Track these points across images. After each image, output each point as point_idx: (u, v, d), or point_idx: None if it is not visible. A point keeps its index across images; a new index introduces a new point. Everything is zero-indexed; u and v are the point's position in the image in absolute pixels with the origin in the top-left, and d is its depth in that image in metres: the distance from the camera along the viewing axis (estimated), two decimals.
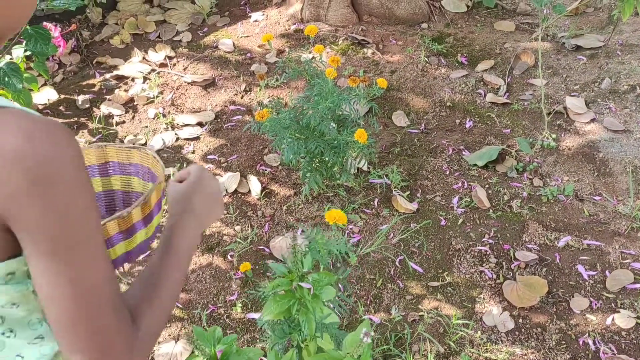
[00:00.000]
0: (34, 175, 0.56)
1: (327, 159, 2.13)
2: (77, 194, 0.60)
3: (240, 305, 2.05)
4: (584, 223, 2.29)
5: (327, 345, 1.37)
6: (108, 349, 0.63)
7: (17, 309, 0.67)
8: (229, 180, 2.49)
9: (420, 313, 2.01)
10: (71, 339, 0.62)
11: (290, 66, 2.21)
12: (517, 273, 2.13)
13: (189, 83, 3.14)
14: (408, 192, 2.46)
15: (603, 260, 2.15)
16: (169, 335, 1.96)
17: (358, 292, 2.09)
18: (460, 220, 2.34)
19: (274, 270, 1.31)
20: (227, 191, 2.47)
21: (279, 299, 1.28)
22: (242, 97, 3.05)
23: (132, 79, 3.19)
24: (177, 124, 2.88)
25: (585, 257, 2.16)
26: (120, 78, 3.21)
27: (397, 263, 2.18)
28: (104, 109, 2.96)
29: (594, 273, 2.10)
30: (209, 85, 3.15)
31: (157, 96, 3.05)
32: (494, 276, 2.13)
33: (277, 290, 1.28)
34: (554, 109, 2.83)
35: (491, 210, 2.38)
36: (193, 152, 2.72)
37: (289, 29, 3.57)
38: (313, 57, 2.16)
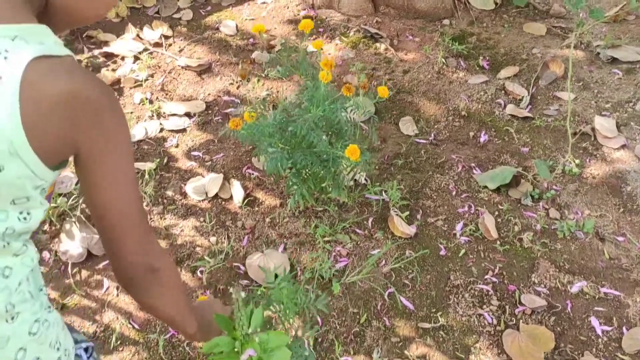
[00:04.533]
0: (92, 108, 0.72)
1: (316, 171, 1.87)
2: (123, 118, 0.78)
3: None
4: (602, 267, 2.02)
5: None
6: (150, 243, 0.85)
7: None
8: (210, 182, 2.25)
9: None
10: (139, 225, 0.82)
11: (283, 61, 1.94)
12: (521, 320, 1.88)
13: (182, 67, 2.88)
14: (407, 213, 2.20)
15: (621, 313, 1.88)
16: None
17: (338, 327, 1.85)
18: (462, 252, 2.08)
19: (218, 323, 1.07)
20: (206, 195, 2.23)
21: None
22: (238, 88, 2.79)
23: (122, 58, 2.93)
24: (164, 113, 2.63)
25: (600, 308, 1.89)
26: (110, 56, 2.96)
27: (385, 296, 1.93)
28: None
29: (609, 328, 1.83)
30: (204, 71, 2.89)
31: (146, 79, 2.80)
32: (495, 322, 1.88)
33: (216, 351, 1.04)
34: (581, 130, 2.53)
35: (498, 242, 2.11)
36: (177, 146, 2.47)
37: (298, 14, 3.28)
38: (308, 53, 1.89)
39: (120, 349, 1.77)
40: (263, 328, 1.09)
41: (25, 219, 0.77)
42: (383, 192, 2.26)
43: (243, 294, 0.99)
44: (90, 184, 0.78)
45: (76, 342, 0.96)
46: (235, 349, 1.03)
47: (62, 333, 0.88)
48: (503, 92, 2.81)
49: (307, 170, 1.85)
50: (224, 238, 2.09)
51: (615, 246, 2.08)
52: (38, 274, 0.86)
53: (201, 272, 1.97)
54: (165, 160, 2.39)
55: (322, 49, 1.93)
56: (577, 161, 2.36)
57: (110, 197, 0.78)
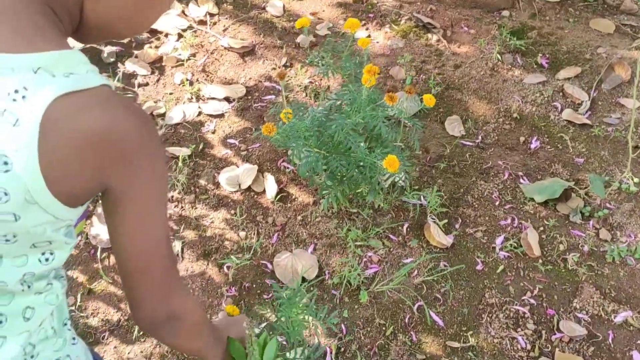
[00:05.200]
0: (124, 147, 0.65)
1: (352, 175, 1.78)
2: (160, 155, 0.73)
3: None
4: None
5: None
6: (173, 286, 0.79)
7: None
8: (244, 173, 2.20)
9: None
10: (157, 279, 0.76)
11: (324, 56, 1.84)
12: (557, 347, 1.77)
13: (225, 48, 2.82)
14: (445, 221, 2.09)
15: None
16: (141, 352, 1.74)
17: (362, 338, 1.79)
18: (501, 268, 1.97)
19: (232, 352, 1.02)
20: (239, 186, 2.18)
21: None
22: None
23: (166, 35, 2.89)
24: (203, 96, 2.58)
25: None
26: (154, 32, 2.91)
27: (415, 309, 1.85)
28: (129, 66, 2.69)
29: None
30: (247, 53, 2.81)
31: (188, 59, 2.75)
32: (529, 347, 1.78)
33: None
34: None
35: (540, 261, 1.99)
36: (213, 132, 2.42)
37: None
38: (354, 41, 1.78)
39: (143, 339, 1.77)
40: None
41: (47, 260, 0.71)
42: (422, 197, 2.16)
43: (257, 330, 0.94)
44: (115, 225, 0.71)
45: None
46: None
47: None
48: (561, 94, 2.62)
49: (342, 173, 1.77)
50: (254, 234, 2.05)
51: None
52: (64, 306, 0.82)
53: (228, 267, 1.94)
54: (200, 147, 2.35)
55: (368, 41, 1.82)
56: (636, 180, 2.18)
57: (135, 244, 0.72)
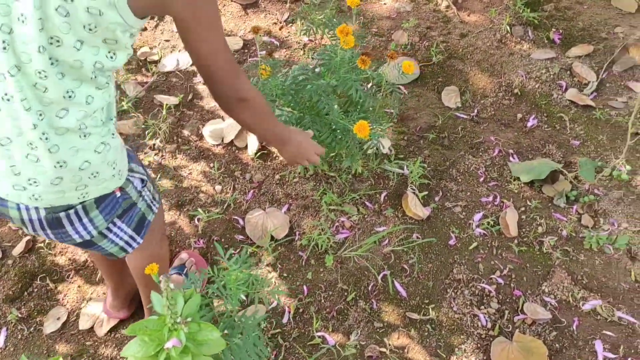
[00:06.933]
0: None
1: (325, 140, 1.75)
2: None
3: None
4: (624, 289, 1.83)
5: None
6: (238, 79, 1.09)
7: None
8: (228, 128, 2.19)
9: (382, 349, 1.69)
10: (228, 70, 1.06)
11: (303, 17, 1.79)
12: (518, 329, 1.75)
13: None
14: (426, 193, 2.06)
15: (630, 343, 1.71)
16: (103, 293, 1.77)
17: (322, 301, 1.79)
18: (474, 245, 1.94)
19: (154, 305, 1.03)
20: (222, 140, 2.17)
21: (144, 342, 1.00)
22: (280, 29, 2.65)
23: None
24: None
25: (609, 333, 1.73)
26: None
27: (379, 278, 1.85)
28: None
29: (613, 356, 1.68)
30: (250, 5, 2.76)
31: None
32: (489, 325, 1.76)
33: (143, 331, 1.00)
34: None
35: (516, 242, 1.95)
36: (204, 83, 2.40)
37: None
38: (336, 8, 1.73)
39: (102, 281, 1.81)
40: (200, 316, 1.05)
41: (112, 58, 0.96)
42: (405, 167, 2.12)
43: (172, 285, 0.94)
44: (189, 40, 1.01)
45: (132, 171, 1.19)
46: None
47: (120, 156, 1.12)
48: (569, 73, 2.52)
49: (316, 136, 1.74)
50: (230, 188, 2.05)
51: None
52: (113, 107, 1.08)
53: (198, 219, 1.95)
54: (190, 97, 2.34)
55: (357, 1, 1.76)
56: (628, 167, 2.10)
57: (205, 49, 1.02)
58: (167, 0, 0.93)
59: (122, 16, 0.89)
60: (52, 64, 0.91)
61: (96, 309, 1.72)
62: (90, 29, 0.89)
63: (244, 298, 1.72)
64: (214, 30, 1.01)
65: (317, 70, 1.67)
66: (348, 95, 1.73)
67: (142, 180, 1.23)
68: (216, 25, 1.01)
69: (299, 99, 1.67)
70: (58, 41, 0.90)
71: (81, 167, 1.03)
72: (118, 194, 1.15)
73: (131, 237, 1.24)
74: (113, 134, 1.08)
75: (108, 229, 1.18)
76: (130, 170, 1.19)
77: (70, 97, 0.96)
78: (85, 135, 1.02)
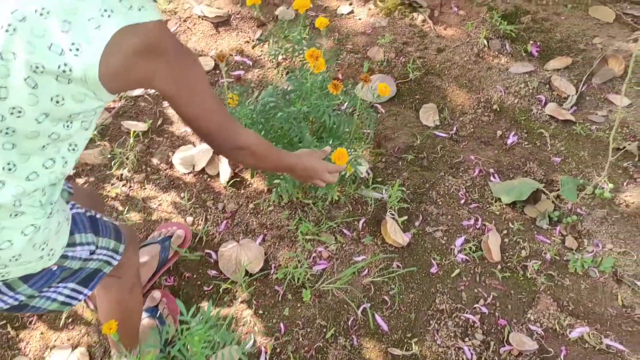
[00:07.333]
0: (153, 48, 0.87)
1: None
2: (185, 55, 0.96)
3: None
4: (611, 315, 1.78)
5: None
6: (231, 132, 1.10)
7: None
8: (199, 154, 2.10)
9: None
10: (221, 126, 1.08)
11: (275, 37, 1.71)
12: None
13: (199, 16, 2.67)
14: (405, 218, 1.99)
15: None
16: (68, 340, 1.67)
17: (300, 339, 1.71)
18: (456, 272, 1.87)
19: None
20: (193, 168, 2.08)
21: None
22: (253, 47, 2.57)
23: None
24: None
25: None
26: None
27: (359, 312, 1.77)
28: None
29: None
30: (221, 23, 2.67)
31: None
32: (474, 358, 1.69)
33: None
34: (625, 146, 2.20)
35: (499, 267, 1.89)
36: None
37: None
38: (303, 33, 1.65)
39: (70, 327, 1.71)
40: None
41: (67, 127, 0.91)
42: (383, 191, 2.05)
43: None
44: (178, 107, 1.00)
45: (74, 245, 1.08)
46: None
47: (54, 237, 1.01)
48: (547, 86, 2.47)
49: None
50: (201, 220, 1.96)
51: (632, 292, 1.83)
52: (56, 194, 1.00)
53: None
54: (159, 122, 2.25)
55: (326, 22, 1.68)
56: (611, 185, 2.06)
57: (194, 114, 1.02)
58: (145, 82, 0.91)
59: (94, 92, 0.87)
60: (6, 133, 0.87)
61: (60, 357, 1.62)
62: (57, 102, 0.86)
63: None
64: (200, 94, 0.99)
65: (287, 97, 1.59)
66: (321, 122, 1.65)
67: (91, 252, 1.13)
68: (201, 88, 0.99)
69: (270, 127, 1.59)
70: (20, 112, 0.86)
71: (1, 247, 0.93)
72: (54, 267, 1.06)
73: (74, 290, 1.15)
74: (50, 214, 1.00)
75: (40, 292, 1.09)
76: (72, 244, 1.08)
77: (10, 169, 0.89)
78: (16, 215, 0.93)
